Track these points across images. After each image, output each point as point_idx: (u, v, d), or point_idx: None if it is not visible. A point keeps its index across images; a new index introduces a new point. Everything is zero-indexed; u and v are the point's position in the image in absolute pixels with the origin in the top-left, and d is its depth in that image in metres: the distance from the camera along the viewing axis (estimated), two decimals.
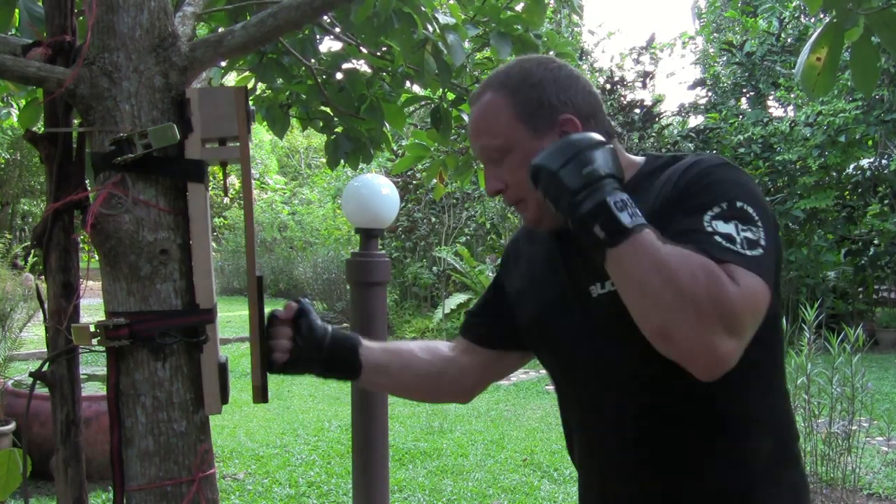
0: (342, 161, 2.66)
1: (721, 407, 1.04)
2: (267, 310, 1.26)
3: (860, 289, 9.87)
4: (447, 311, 9.67)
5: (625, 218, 0.92)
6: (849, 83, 8.53)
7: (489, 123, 1.11)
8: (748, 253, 0.92)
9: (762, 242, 0.94)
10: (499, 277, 1.36)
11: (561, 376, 1.23)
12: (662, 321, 0.90)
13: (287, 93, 2.57)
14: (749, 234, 0.94)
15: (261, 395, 1.24)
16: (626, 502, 1.14)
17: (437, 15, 2.07)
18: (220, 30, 1.65)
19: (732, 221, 0.94)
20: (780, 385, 1.12)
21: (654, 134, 10.07)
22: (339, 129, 2.64)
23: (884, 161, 9.08)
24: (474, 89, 1.20)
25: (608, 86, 10.40)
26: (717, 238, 0.93)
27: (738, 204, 0.96)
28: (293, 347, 1.23)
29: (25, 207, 17.21)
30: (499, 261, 10.14)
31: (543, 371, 7.77)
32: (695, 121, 11.71)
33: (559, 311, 1.16)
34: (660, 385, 1.04)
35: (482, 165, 1.42)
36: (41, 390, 1.30)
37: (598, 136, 1.00)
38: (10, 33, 1.66)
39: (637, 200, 0.97)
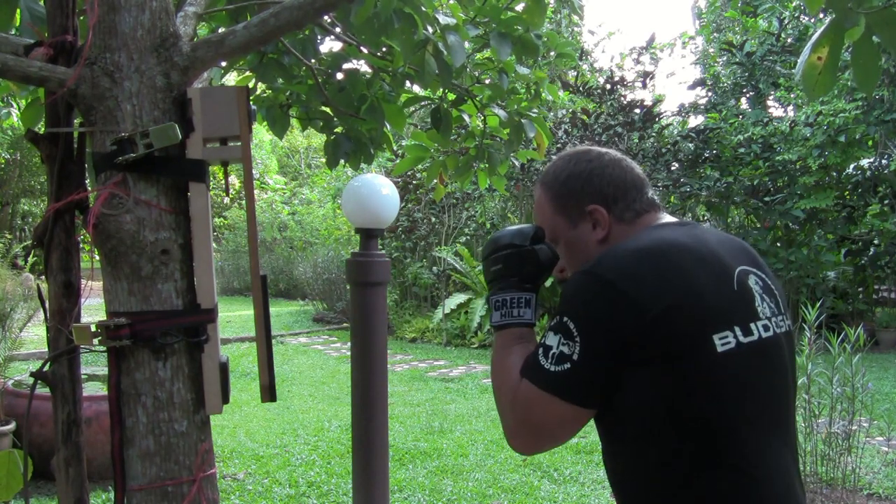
0: (342, 161, 2.65)
1: (629, 481, 1.17)
2: (270, 310, 1.26)
3: (860, 289, 9.87)
4: (447, 311, 9.67)
5: (495, 317, 1.23)
6: (849, 83, 8.54)
7: (539, 217, 1.32)
8: (551, 369, 1.09)
9: (573, 358, 1.08)
10: None
11: None
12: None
13: (287, 93, 2.57)
14: (564, 349, 1.09)
15: (268, 393, 1.24)
16: None
17: (437, 15, 2.06)
18: (222, 30, 1.65)
19: (559, 334, 1.10)
20: (698, 465, 1.09)
21: (654, 134, 10.07)
22: (339, 130, 2.64)
23: (884, 161, 9.08)
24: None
25: (608, 86, 10.40)
26: (539, 349, 1.12)
27: (564, 319, 1.10)
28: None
29: (25, 207, 17.21)
30: None
31: None
32: (695, 121, 11.71)
33: None
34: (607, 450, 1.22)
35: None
36: (42, 390, 1.30)
37: (518, 239, 1.25)
38: (11, 33, 1.66)
39: None
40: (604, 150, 1.32)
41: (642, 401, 1.07)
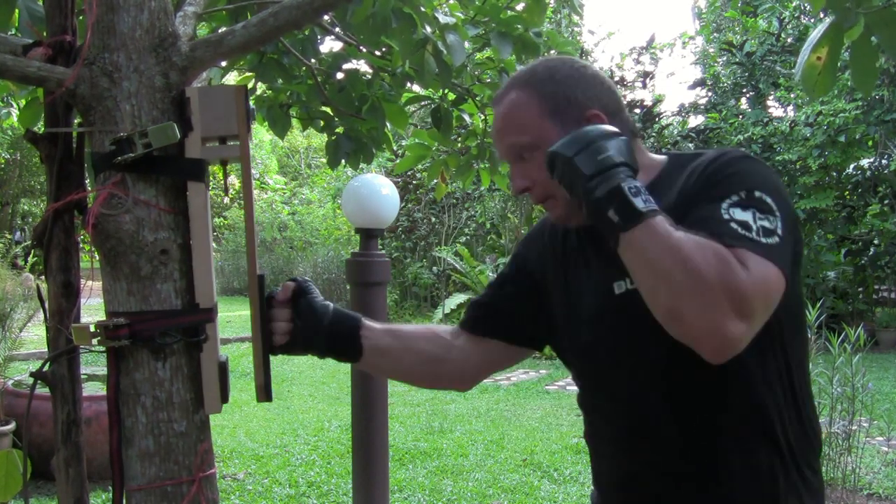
0: (343, 161, 2.66)
1: (750, 398, 1.05)
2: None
3: (860, 289, 9.87)
4: (447, 311, 9.67)
5: (638, 203, 0.94)
6: (849, 83, 8.53)
7: (517, 121, 1.12)
8: (763, 240, 0.94)
9: (779, 232, 0.95)
10: (520, 267, 1.32)
11: (585, 375, 1.23)
12: (672, 302, 0.91)
13: (287, 93, 2.57)
14: (766, 223, 0.95)
15: (264, 393, 1.23)
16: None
17: (437, 15, 2.06)
18: (221, 29, 1.65)
19: (750, 210, 0.96)
20: (804, 380, 1.12)
21: (654, 134, 10.07)
22: (339, 130, 2.64)
23: (884, 161, 9.08)
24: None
25: None
26: (733, 225, 0.94)
27: (757, 194, 0.98)
28: (293, 328, 1.21)
29: (25, 207, 17.21)
30: (499, 261, 10.17)
31: (544, 371, 7.78)
32: (695, 121, 11.71)
33: (585, 308, 1.17)
34: (687, 382, 1.05)
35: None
36: (41, 390, 1.30)
37: (612, 128, 1.02)
38: (9, 33, 1.66)
39: (660, 196, 1.01)
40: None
41: (791, 293, 1.00)
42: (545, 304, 1.26)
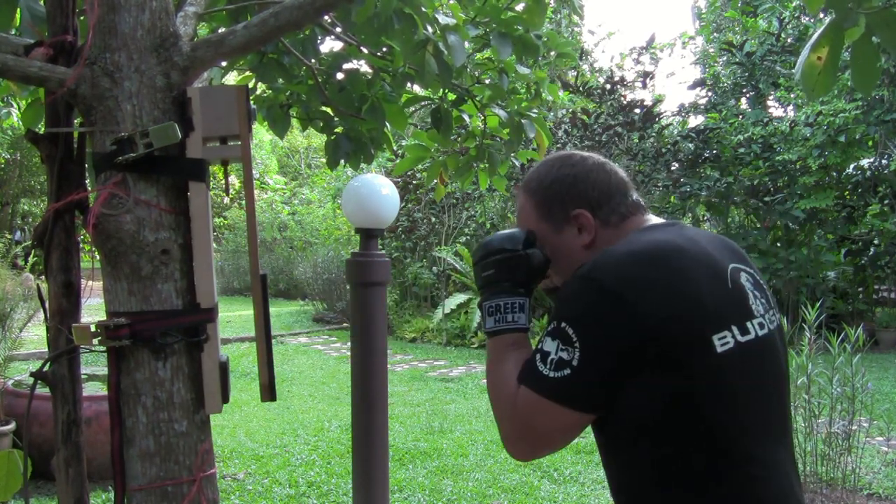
0: (342, 161, 2.65)
1: (623, 487, 1.17)
2: (270, 310, 1.26)
3: (860, 289, 9.87)
4: (447, 311, 9.67)
5: (489, 323, 1.20)
6: (849, 83, 8.53)
7: (523, 221, 1.30)
8: (550, 375, 1.08)
9: (573, 364, 1.06)
10: None
11: None
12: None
13: (287, 93, 2.57)
14: (563, 355, 1.07)
15: (268, 393, 1.24)
16: None
17: (437, 15, 2.07)
18: (222, 30, 1.65)
19: (556, 340, 1.09)
20: (686, 480, 1.09)
21: (654, 134, 10.07)
22: (339, 130, 2.64)
23: (884, 161, 9.08)
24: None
25: (608, 86, 10.39)
26: (536, 356, 1.11)
27: (563, 325, 1.09)
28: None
29: (25, 207, 17.21)
30: None
31: None
32: (695, 121, 11.71)
33: None
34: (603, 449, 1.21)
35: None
36: (42, 390, 1.30)
37: (509, 243, 1.22)
38: (11, 33, 1.66)
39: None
40: (587, 154, 1.31)
41: (643, 405, 1.06)
42: None
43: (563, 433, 1.11)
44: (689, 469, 1.08)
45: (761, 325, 1.13)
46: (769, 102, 11.27)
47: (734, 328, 1.08)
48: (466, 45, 2.25)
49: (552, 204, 1.25)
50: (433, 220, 10.87)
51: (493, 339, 1.19)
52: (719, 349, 1.06)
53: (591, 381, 1.07)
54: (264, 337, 1.21)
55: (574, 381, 1.06)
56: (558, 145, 9.13)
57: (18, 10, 1.63)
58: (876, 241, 9.51)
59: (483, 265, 1.23)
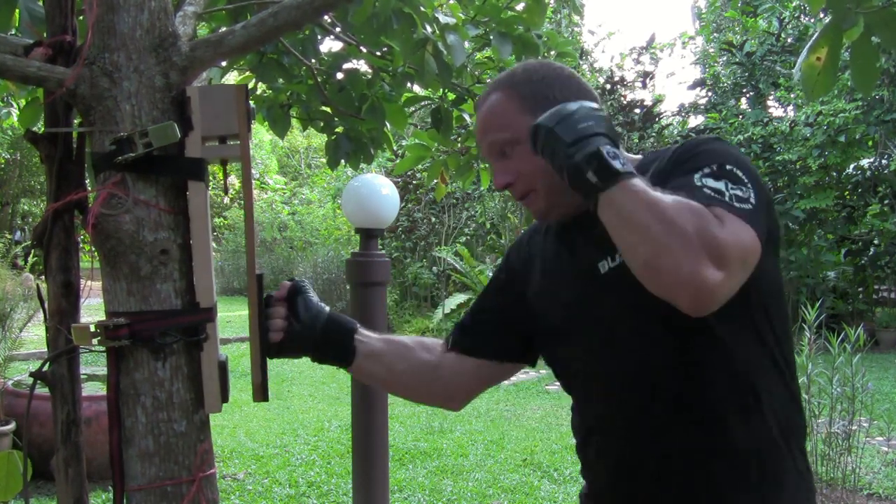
0: (343, 161, 2.66)
1: (738, 377, 1.06)
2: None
3: (860, 289, 9.87)
4: (447, 311, 9.67)
5: (616, 164, 0.96)
6: (849, 83, 8.53)
7: (497, 119, 1.15)
8: (736, 205, 0.96)
9: (752, 200, 0.98)
10: (500, 286, 1.33)
11: (577, 367, 1.21)
12: (649, 253, 0.93)
13: (287, 93, 2.57)
14: (738, 192, 0.98)
15: (261, 393, 1.23)
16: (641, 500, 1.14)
17: (437, 15, 2.07)
18: (221, 29, 1.65)
19: (723, 180, 0.98)
20: (791, 361, 1.13)
21: (654, 134, 10.07)
22: (339, 130, 2.64)
23: (884, 161, 9.08)
24: (479, 91, 1.24)
25: (608, 86, 10.40)
26: (707, 190, 0.97)
27: (728, 167, 1.00)
28: (287, 327, 1.21)
29: (25, 207, 17.21)
30: (499, 260, 10.17)
31: (544, 371, 7.78)
32: (695, 121, 11.72)
33: (563, 297, 1.18)
34: (679, 354, 1.06)
35: (486, 165, 1.45)
36: (41, 390, 1.30)
37: (593, 104, 1.05)
38: (10, 33, 1.66)
39: None
40: None
41: (765, 271, 1.02)
42: (529, 314, 1.26)
43: (750, 265, 0.96)
44: (790, 358, 1.11)
45: None
46: (769, 102, 11.27)
47: None
48: (466, 44, 2.25)
49: (542, 97, 1.12)
50: (433, 220, 10.87)
51: (630, 180, 0.95)
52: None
53: (764, 223, 0.99)
54: (258, 337, 1.21)
55: (756, 215, 0.97)
56: None
57: (17, 10, 1.63)
58: (876, 241, 9.51)
59: (576, 118, 1.00)
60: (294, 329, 1.21)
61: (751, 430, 1.07)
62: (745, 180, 0.99)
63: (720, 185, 0.97)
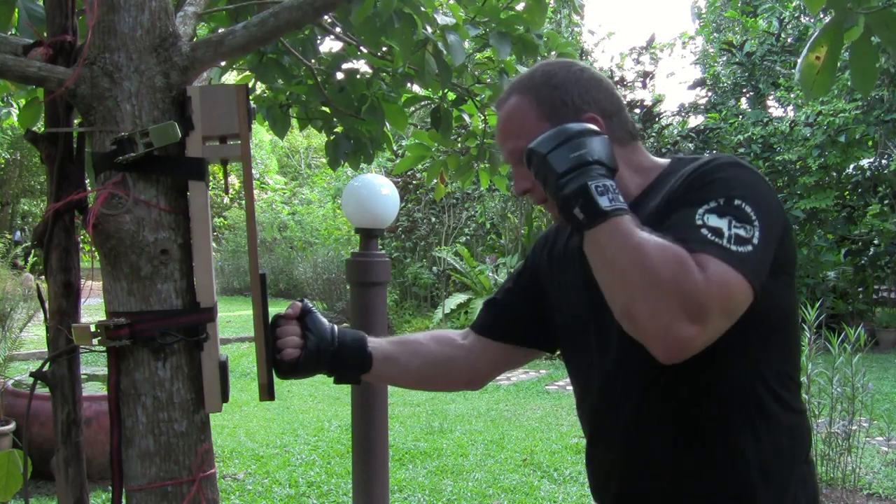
0: (343, 161, 2.66)
1: (733, 397, 1.07)
2: (270, 310, 1.26)
3: (860, 289, 9.87)
4: (447, 311, 9.67)
5: (603, 202, 0.95)
6: (849, 83, 8.53)
7: (516, 125, 1.15)
8: (733, 248, 0.94)
9: (754, 241, 0.95)
10: (527, 273, 1.36)
11: (580, 372, 1.24)
12: (627, 301, 0.93)
13: (287, 93, 2.57)
14: (741, 232, 0.95)
15: (267, 392, 1.24)
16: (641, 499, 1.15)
17: (437, 15, 2.07)
18: (221, 30, 1.65)
19: (727, 217, 0.96)
20: (792, 380, 1.13)
21: (654, 134, 10.07)
22: (339, 130, 2.64)
23: (884, 161, 9.08)
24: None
25: None
26: (704, 231, 0.95)
27: (736, 202, 0.97)
28: (304, 343, 1.23)
29: (25, 207, 17.21)
30: (499, 261, 10.18)
31: (544, 371, 7.78)
32: (695, 121, 11.71)
33: (581, 304, 1.19)
34: (674, 374, 1.05)
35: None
36: (41, 390, 1.30)
37: (593, 127, 1.03)
38: (9, 33, 1.66)
39: (652, 199, 1.06)
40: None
41: (774, 304, 1.03)
42: (547, 305, 1.29)
43: (738, 311, 0.95)
44: (794, 383, 1.11)
45: None
46: (769, 102, 11.27)
47: None
48: (466, 44, 2.25)
49: (561, 104, 1.12)
50: (433, 220, 10.87)
51: (617, 219, 0.95)
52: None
53: (766, 263, 0.97)
54: (263, 336, 1.21)
55: (755, 258, 0.95)
56: None
57: (17, 10, 1.63)
58: (876, 241, 9.51)
59: (570, 146, 1.00)
60: (311, 343, 1.23)
61: (746, 444, 1.07)
62: (753, 217, 0.97)
63: (722, 223, 0.95)
